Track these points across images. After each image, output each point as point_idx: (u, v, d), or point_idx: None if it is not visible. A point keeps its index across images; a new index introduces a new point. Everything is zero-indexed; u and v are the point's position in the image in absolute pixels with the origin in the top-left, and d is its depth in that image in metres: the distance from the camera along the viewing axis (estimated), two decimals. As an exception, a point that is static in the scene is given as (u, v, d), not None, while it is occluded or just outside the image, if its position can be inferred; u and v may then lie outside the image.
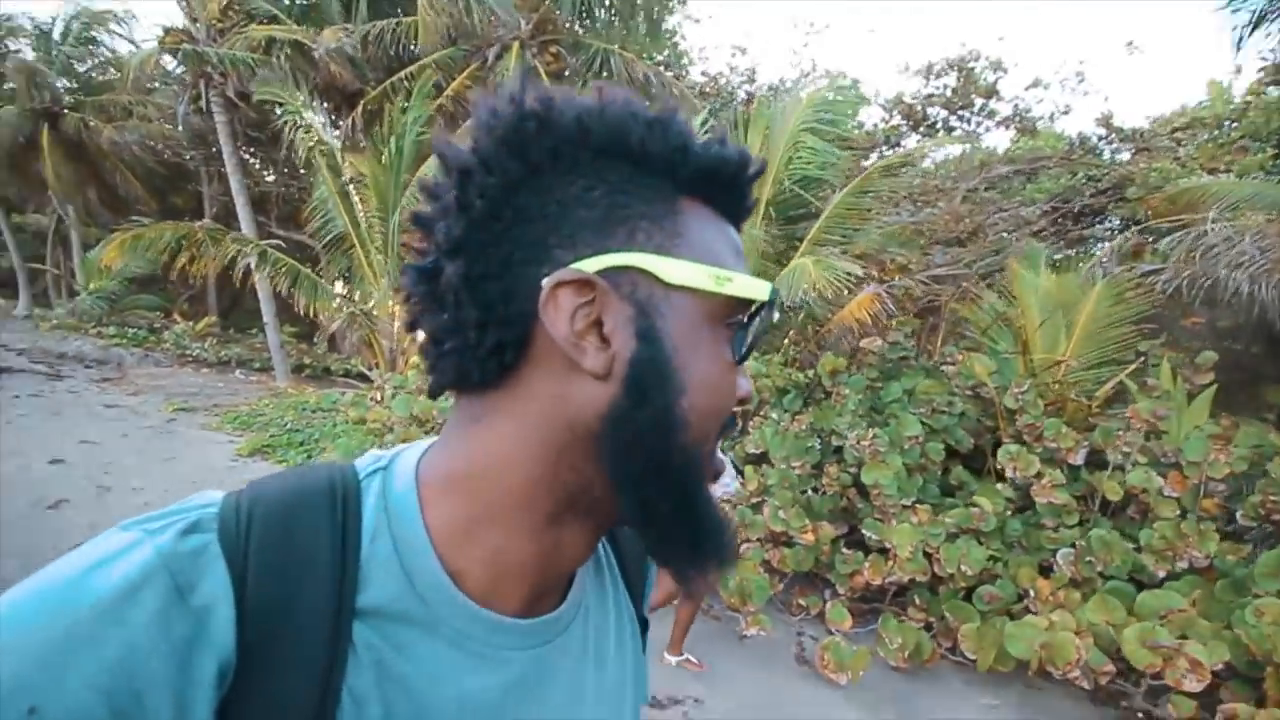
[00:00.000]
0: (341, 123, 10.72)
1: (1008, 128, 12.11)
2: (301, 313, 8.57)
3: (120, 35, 16.54)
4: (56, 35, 16.51)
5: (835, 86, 7.71)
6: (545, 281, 0.40)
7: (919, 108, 12.26)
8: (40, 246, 18.58)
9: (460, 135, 0.44)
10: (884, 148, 12.79)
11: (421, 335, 0.46)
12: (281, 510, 0.41)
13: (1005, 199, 9.19)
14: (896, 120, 12.57)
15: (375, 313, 8.28)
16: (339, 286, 9.22)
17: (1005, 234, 8.56)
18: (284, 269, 8.13)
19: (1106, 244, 7.11)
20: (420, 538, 0.43)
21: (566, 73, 9.77)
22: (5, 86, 15.76)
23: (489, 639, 0.44)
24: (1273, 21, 6.65)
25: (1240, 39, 6.90)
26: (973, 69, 12.04)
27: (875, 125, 12.40)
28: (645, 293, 0.41)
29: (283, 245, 10.25)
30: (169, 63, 13.18)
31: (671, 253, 0.42)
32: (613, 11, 10.03)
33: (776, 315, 0.46)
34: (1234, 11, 6.86)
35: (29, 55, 16.54)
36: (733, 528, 0.47)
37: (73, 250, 17.18)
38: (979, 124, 12.43)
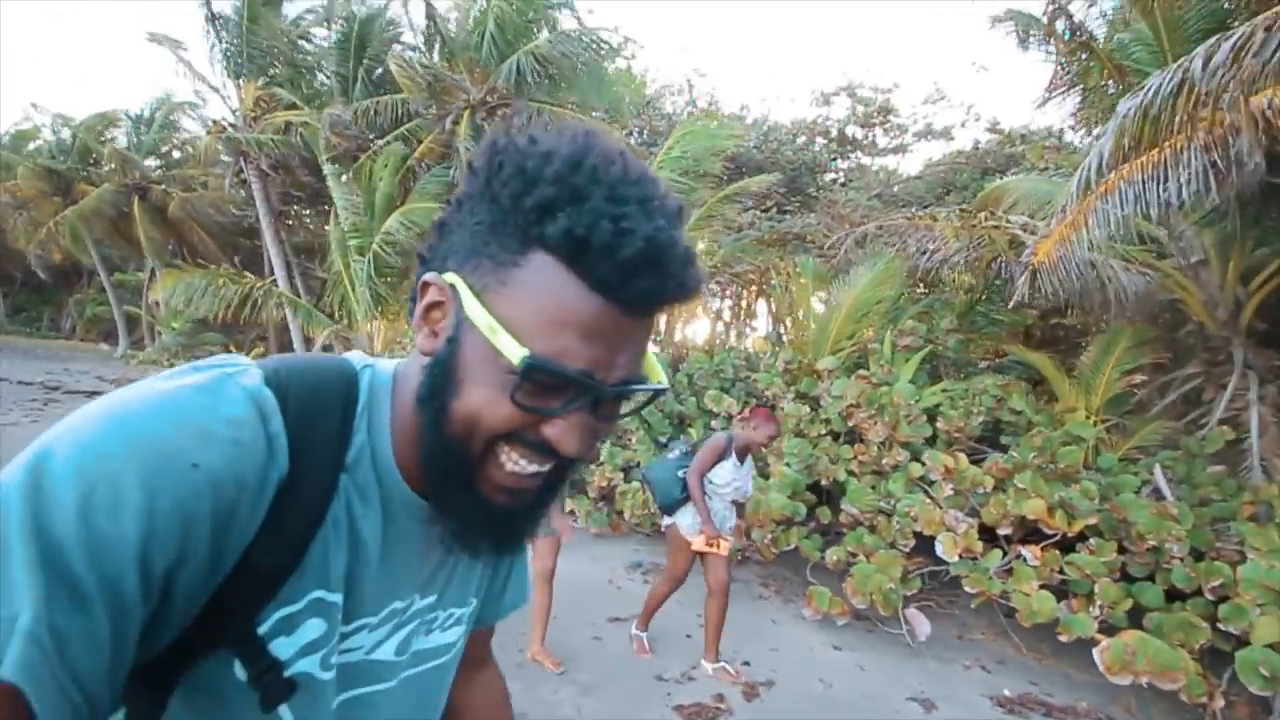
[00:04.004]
0: (345, 178, 13.25)
1: (924, 139, 13.39)
2: (304, 335, 10.94)
3: (193, 119, 20.01)
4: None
5: (696, 125, 9.51)
6: (425, 275, 0.54)
7: (834, 129, 13.74)
8: (137, 299, 22.29)
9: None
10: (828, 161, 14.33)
11: None
12: (308, 383, 0.54)
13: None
14: (817, 142, 14.06)
15: (355, 332, 10.55)
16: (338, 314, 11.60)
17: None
18: (284, 301, 10.55)
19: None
20: (383, 421, 0.57)
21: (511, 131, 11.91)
22: (106, 169, 19.45)
23: (405, 508, 0.57)
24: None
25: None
26: (857, 93, 13.45)
27: (800, 144, 13.88)
28: (462, 313, 0.51)
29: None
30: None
31: (486, 293, 0.50)
32: (549, 71, 12.05)
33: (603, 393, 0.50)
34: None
35: (122, 141, 20.29)
36: (513, 519, 0.56)
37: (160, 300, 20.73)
38: (894, 140, 13.76)
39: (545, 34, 12.53)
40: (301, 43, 13.74)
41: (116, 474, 0.41)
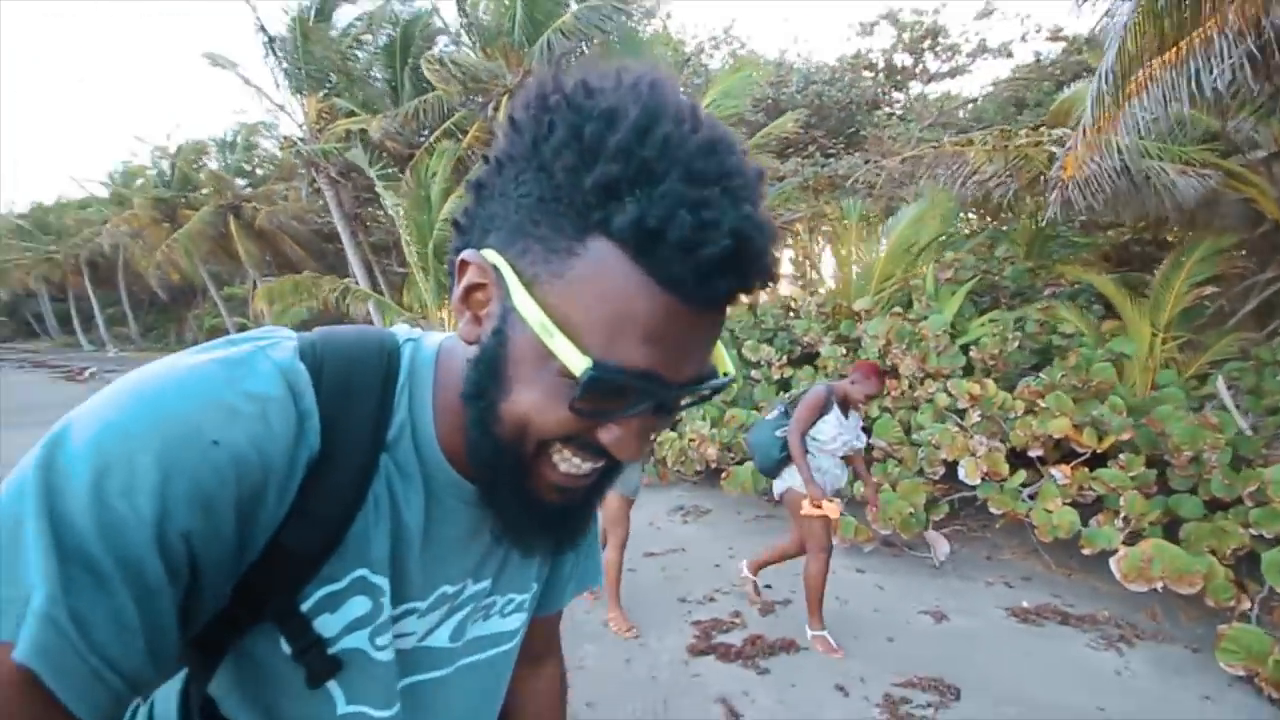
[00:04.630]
0: (401, 178, 14.07)
1: (980, 58, 12.55)
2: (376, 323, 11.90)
3: (269, 137, 21.59)
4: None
5: (734, 70, 9.50)
6: (463, 251, 0.48)
7: (880, 60, 13.11)
8: (245, 309, 24.50)
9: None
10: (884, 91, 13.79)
11: None
12: (345, 357, 0.51)
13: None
14: (865, 76, 13.50)
15: (425, 317, 11.34)
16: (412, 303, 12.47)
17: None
18: (361, 296, 11.46)
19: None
20: (426, 398, 0.53)
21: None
22: (202, 192, 21.42)
23: (449, 489, 0.54)
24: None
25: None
26: (899, 18, 12.66)
27: (846, 81, 13.41)
28: (508, 303, 0.45)
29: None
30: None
31: (537, 284, 0.44)
32: (581, 45, 12.25)
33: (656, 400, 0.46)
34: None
35: (214, 164, 22.24)
36: (567, 515, 0.53)
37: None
38: (947, 63, 12.98)
39: (574, 6, 12.73)
40: (352, 51, 14.53)
41: (133, 453, 0.40)
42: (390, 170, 13.25)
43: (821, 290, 8.72)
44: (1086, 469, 4.50)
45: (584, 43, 12.52)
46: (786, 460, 3.42)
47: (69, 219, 29.39)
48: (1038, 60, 11.62)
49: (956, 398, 5.18)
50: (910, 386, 5.79)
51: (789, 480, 3.46)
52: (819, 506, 3.31)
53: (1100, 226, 8.97)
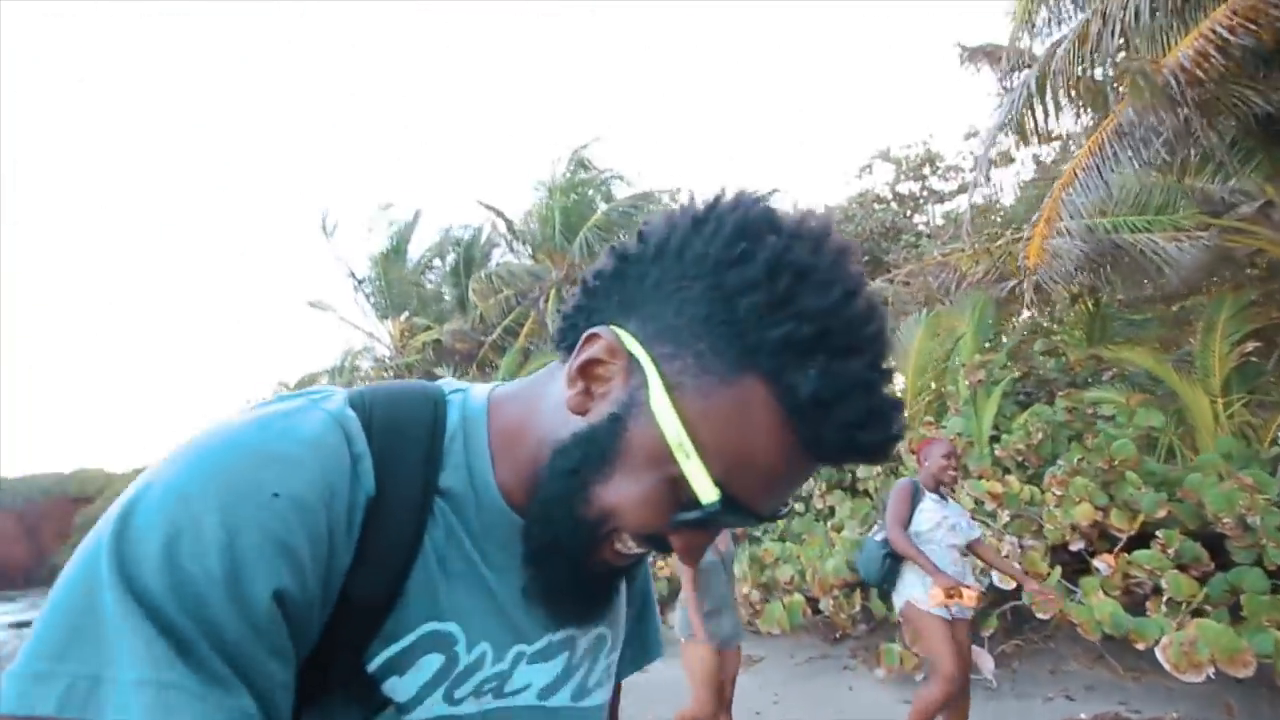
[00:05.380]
0: (470, 373, 15.62)
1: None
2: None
3: (369, 359, 24.52)
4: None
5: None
6: (597, 325, 0.49)
7: (886, 191, 13.96)
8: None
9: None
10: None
11: None
12: (394, 404, 0.52)
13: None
14: (875, 209, 14.32)
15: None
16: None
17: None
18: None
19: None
20: (482, 444, 0.52)
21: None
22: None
23: (510, 533, 0.51)
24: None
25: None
26: (891, 155, 13.60)
27: (859, 217, 14.21)
28: (640, 396, 0.45)
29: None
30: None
31: (680, 393, 0.44)
32: (613, 237, 13.84)
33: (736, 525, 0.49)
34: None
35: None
36: (602, 582, 0.53)
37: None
38: (953, 181, 13.63)
39: (603, 206, 14.57)
40: (424, 277, 16.92)
41: (198, 515, 0.40)
42: (461, 367, 14.81)
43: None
44: (1126, 555, 4.22)
45: (621, 232, 14.17)
46: (895, 565, 3.07)
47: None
48: (1038, 162, 12.07)
49: (983, 500, 5.05)
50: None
51: (905, 590, 3.07)
52: (954, 595, 2.89)
53: (1150, 301, 8.75)
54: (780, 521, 7.22)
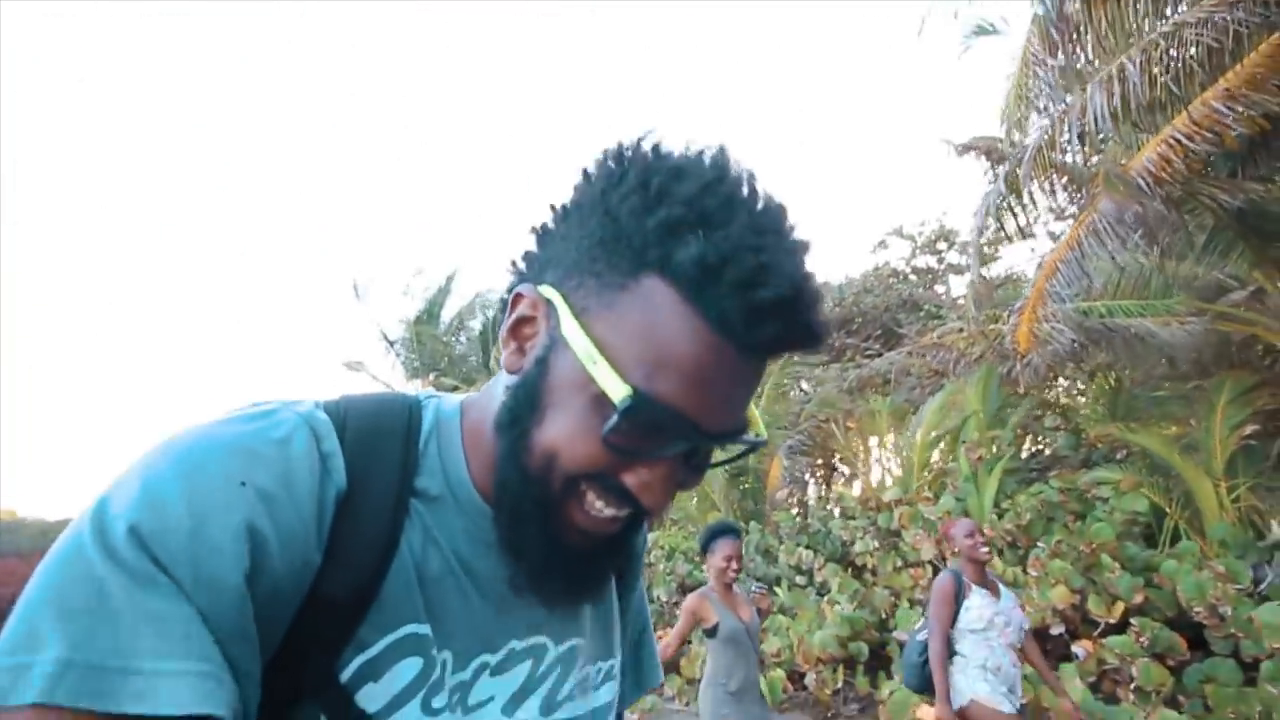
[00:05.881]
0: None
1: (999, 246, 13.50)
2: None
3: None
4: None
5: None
6: (519, 286, 0.50)
7: (904, 265, 14.30)
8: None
9: None
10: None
11: None
12: (369, 413, 0.53)
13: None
14: (891, 284, 14.62)
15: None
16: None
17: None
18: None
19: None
20: (456, 445, 0.54)
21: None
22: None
23: (487, 526, 0.52)
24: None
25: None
26: (904, 231, 14.02)
27: (877, 291, 14.49)
28: (556, 333, 0.47)
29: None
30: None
31: (586, 315, 0.46)
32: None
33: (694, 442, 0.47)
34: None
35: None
36: (586, 561, 0.51)
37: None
38: (967, 255, 13.94)
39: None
40: (453, 340, 17.62)
41: (166, 504, 0.41)
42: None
43: (856, 485, 8.84)
44: (1102, 641, 4.25)
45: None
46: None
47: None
48: (1053, 239, 12.28)
49: (967, 578, 5.11)
50: (932, 574, 5.71)
51: (966, 688, 2.82)
52: None
53: (1166, 379, 8.75)
54: (779, 594, 7.44)
